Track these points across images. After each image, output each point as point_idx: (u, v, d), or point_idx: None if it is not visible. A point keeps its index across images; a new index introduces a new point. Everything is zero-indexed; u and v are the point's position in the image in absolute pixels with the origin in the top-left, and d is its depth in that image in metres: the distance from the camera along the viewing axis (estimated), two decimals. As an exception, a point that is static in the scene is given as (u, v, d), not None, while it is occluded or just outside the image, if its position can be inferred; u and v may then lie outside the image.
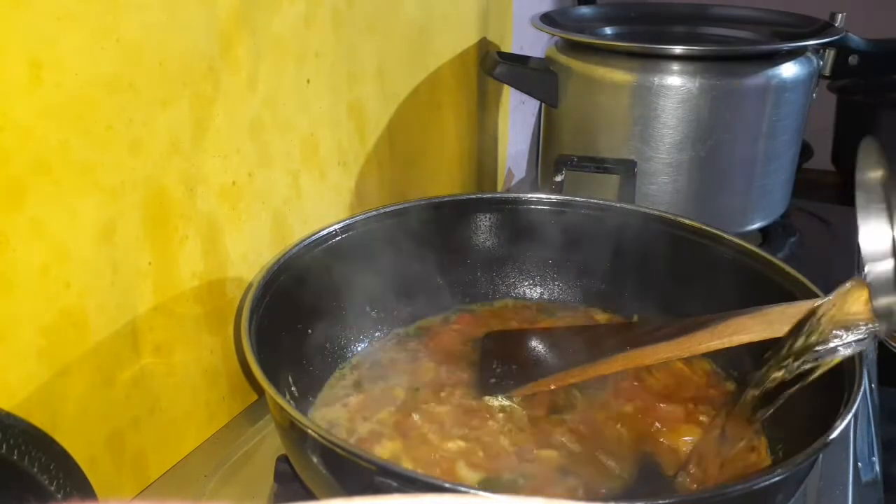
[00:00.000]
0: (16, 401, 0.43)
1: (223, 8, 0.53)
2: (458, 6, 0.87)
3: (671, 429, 0.53)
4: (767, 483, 0.38)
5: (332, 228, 0.59)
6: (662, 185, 0.80)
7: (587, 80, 0.81)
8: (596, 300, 0.69)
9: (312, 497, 0.46)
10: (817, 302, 0.44)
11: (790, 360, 0.43)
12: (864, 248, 0.40)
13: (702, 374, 0.60)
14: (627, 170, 0.75)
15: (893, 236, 0.39)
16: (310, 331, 0.58)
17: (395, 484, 0.36)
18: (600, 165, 0.76)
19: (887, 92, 1.23)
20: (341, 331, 0.61)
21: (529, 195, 0.68)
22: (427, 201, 0.66)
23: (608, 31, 0.96)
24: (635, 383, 0.58)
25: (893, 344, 0.41)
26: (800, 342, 0.43)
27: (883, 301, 0.40)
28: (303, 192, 0.65)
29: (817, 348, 0.42)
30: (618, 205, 0.67)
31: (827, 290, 0.45)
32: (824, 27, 0.86)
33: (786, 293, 0.53)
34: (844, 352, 0.42)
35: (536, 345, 0.61)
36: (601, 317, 0.67)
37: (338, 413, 0.55)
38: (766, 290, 0.55)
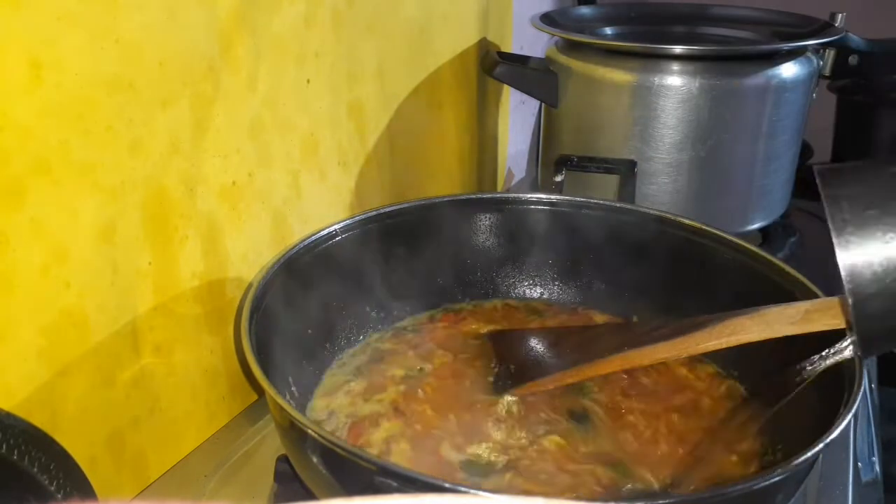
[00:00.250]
0: (16, 401, 0.43)
1: (223, 8, 0.53)
2: (458, 6, 0.87)
3: (674, 434, 0.53)
4: (767, 483, 0.38)
5: (332, 228, 0.59)
6: (662, 185, 0.80)
7: (587, 80, 0.81)
8: (595, 300, 0.69)
9: (312, 497, 0.46)
10: (816, 303, 0.45)
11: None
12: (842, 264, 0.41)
13: (704, 378, 0.60)
14: (627, 170, 0.75)
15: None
16: (310, 330, 0.58)
17: (395, 484, 0.36)
18: (600, 165, 0.76)
19: (887, 92, 1.22)
20: (341, 330, 0.61)
21: (529, 195, 0.68)
22: (427, 201, 0.66)
23: (608, 31, 0.96)
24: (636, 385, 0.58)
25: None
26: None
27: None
28: (303, 192, 0.65)
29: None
30: (618, 205, 0.67)
31: (827, 290, 0.45)
32: (824, 27, 0.86)
33: (786, 293, 0.53)
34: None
35: (535, 344, 0.61)
36: (600, 317, 0.67)
37: (340, 401, 0.56)
38: (766, 290, 0.55)
